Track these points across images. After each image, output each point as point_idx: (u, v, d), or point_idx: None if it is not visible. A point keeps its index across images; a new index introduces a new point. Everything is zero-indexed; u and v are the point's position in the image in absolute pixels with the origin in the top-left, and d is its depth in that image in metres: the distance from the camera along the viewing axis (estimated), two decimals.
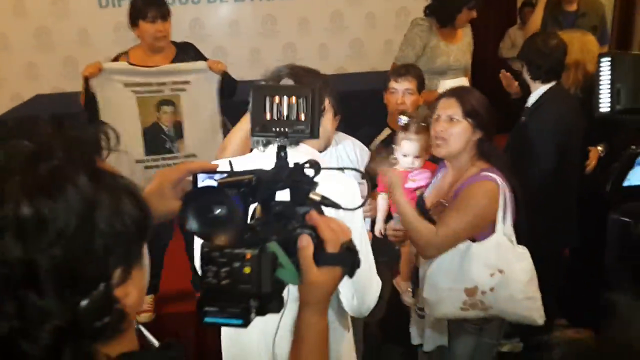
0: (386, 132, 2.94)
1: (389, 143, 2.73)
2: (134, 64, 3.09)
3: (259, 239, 1.02)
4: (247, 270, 0.98)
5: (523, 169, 2.65)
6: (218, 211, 0.97)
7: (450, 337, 2.35)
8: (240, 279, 0.98)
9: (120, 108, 3.04)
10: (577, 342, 3.37)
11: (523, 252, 2.19)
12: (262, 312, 1.02)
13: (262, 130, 1.22)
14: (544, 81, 2.88)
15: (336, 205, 1.17)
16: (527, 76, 2.93)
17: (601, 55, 1.32)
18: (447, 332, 2.34)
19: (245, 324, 0.98)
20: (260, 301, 1.00)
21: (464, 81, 3.63)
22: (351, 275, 1.12)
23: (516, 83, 3.29)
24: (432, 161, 2.52)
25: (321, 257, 1.08)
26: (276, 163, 1.20)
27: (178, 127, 3.16)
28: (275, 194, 1.14)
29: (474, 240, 2.18)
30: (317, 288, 1.08)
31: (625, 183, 1.23)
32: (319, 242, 1.08)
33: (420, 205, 2.36)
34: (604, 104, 1.29)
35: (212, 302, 0.98)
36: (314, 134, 1.22)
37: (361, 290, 1.63)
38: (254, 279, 0.98)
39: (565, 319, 3.37)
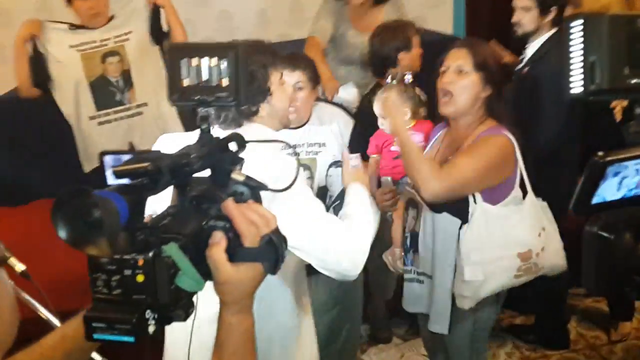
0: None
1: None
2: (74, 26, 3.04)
3: (156, 241, 0.86)
4: (140, 278, 0.84)
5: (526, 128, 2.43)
6: (94, 214, 0.78)
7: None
8: (133, 288, 0.84)
9: (65, 67, 2.98)
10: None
11: (544, 204, 2.15)
12: (165, 322, 0.86)
13: (181, 98, 1.04)
14: (554, 23, 2.61)
15: (262, 186, 0.99)
16: (533, 13, 2.62)
17: (569, 19, 0.97)
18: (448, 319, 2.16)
19: (140, 339, 0.82)
20: (159, 312, 0.84)
21: (352, 92, 3.01)
22: (273, 271, 0.97)
23: (507, 55, 2.94)
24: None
25: (236, 253, 0.93)
26: (198, 139, 1.02)
27: (127, 77, 3.06)
28: (190, 177, 0.95)
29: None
30: (233, 287, 0.94)
31: (595, 200, 0.92)
32: (235, 236, 0.92)
33: None
34: (576, 83, 0.97)
35: (102, 314, 0.84)
36: (239, 101, 1.02)
37: (341, 252, 1.56)
38: (149, 289, 0.84)
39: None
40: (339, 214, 1.71)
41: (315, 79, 2.34)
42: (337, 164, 2.32)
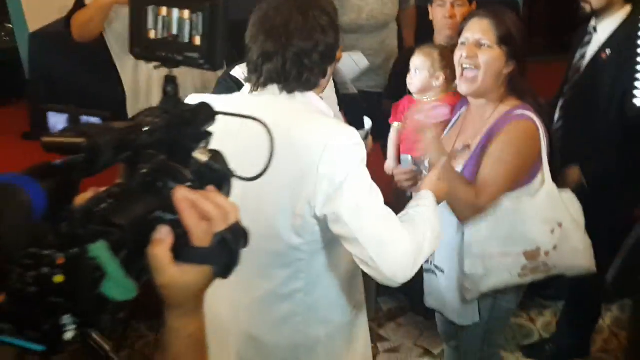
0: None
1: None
2: None
3: (85, 235, 0.70)
4: (58, 279, 0.68)
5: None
6: None
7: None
8: (50, 289, 0.68)
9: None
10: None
11: (570, 195, 1.96)
12: (88, 326, 0.71)
13: (144, 52, 0.87)
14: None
15: (229, 173, 0.82)
16: None
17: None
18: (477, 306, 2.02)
19: (52, 349, 0.68)
20: (80, 317, 0.69)
21: (359, 57, 2.63)
22: (225, 276, 0.83)
23: None
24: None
25: (182, 252, 0.77)
26: (159, 105, 0.85)
27: None
28: (143, 154, 0.79)
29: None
30: (177, 290, 0.80)
31: None
32: (183, 232, 0.77)
33: None
34: None
35: (12, 313, 0.68)
36: (212, 64, 0.85)
37: (376, 253, 1.39)
38: (68, 292, 0.68)
39: None
40: (400, 212, 1.55)
41: None
42: None
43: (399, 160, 2.32)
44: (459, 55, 1.88)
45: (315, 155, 1.36)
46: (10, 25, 4.95)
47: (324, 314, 1.58)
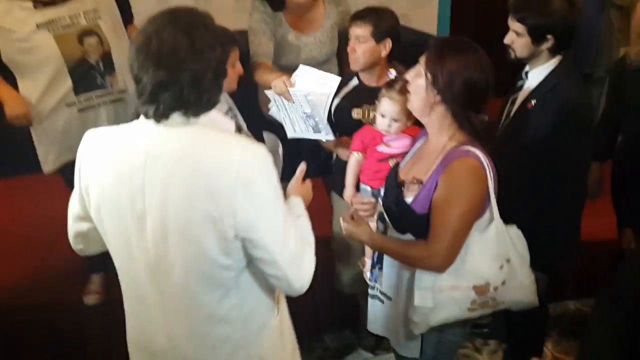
0: (353, 83, 2.58)
1: (357, 94, 2.51)
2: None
3: None
4: None
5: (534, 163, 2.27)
6: None
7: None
8: None
9: (38, 52, 2.67)
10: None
11: (516, 231, 1.98)
12: None
13: None
14: (553, 52, 2.26)
15: None
16: (525, 40, 2.26)
17: None
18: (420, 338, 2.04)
19: None
20: None
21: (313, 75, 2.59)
22: None
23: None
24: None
25: None
26: None
27: (107, 60, 2.79)
28: None
29: None
30: None
31: None
32: None
33: (391, 179, 2.04)
34: None
35: None
36: None
37: (290, 268, 1.49)
38: None
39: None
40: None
41: None
42: None
43: (356, 189, 2.35)
44: None
45: (229, 177, 1.39)
46: None
47: (259, 324, 1.63)
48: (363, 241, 2.06)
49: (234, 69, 2.08)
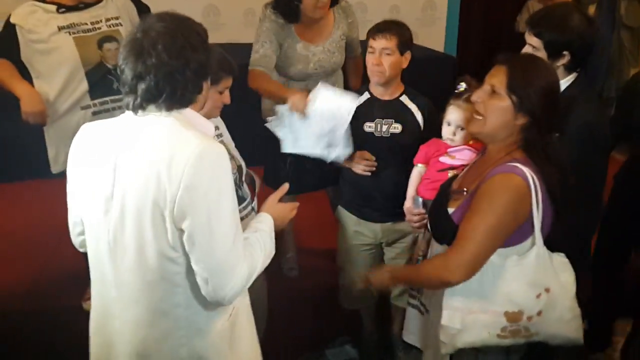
0: (365, 97, 2.56)
1: (370, 108, 2.51)
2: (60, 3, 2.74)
3: None
4: None
5: None
6: None
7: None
8: None
9: (57, 53, 2.70)
10: None
11: (563, 260, 1.85)
12: None
13: None
14: (569, 68, 2.21)
15: None
16: (541, 54, 2.18)
17: None
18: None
19: None
20: None
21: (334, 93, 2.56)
22: None
23: None
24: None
25: None
26: None
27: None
28: None
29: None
30: None
31: None
32: None
33: (444, 189, 1.99)
34: None
35: None
36: None
37: (217, 274, 1.50)
38: None
39: None
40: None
41: None
42: None
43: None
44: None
45: (179, 168, 1.44)
46: None
47: (203, 326, 1.63)
48: (390, 285, 2.02)
49: (221, 96, 2.05)
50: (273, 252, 1.71)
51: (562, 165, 1.81)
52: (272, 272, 1.95)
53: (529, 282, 1.77)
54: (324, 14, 2.81)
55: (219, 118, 2.31)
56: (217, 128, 2.36)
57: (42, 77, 2.72)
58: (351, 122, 2.46)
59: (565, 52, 2.18)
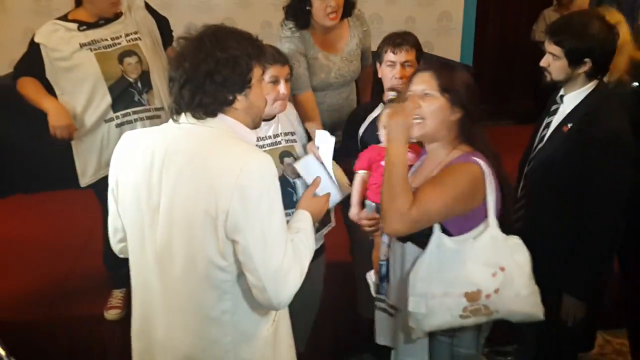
0: (381, 108, 2.57)
1: None
2: (80, 21, 2.81)
3: None
4: None
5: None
6: None
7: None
8: None
9: (80, 70, 2.77)
10: None
11: (518, 242, 1.96)
12: None
13: None
14: (590, 75, 2.24)
15: None
16: (562, 62, 2.25)
17: None
18: (427, 349, 2.04)
19: None
20: None
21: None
22: None
23: None
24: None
25: None
26: None
27: (145, 79, 2.86)
28: None
29: (445, 232, 1.91)
30: None
31: None
32: None
33: None
34: None
35: None
36: None
37: (273, 282, 1.52)
38: None
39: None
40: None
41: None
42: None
43: (361, 206, 2.36)
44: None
45: (230, 178, 1.47)
46: None
47: (250, 332, 1.65)
48: (398, 138, 1.91)
49: (275, 86, 2.10)
50: (314, 249, 1.72)
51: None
52: None
53: (484, 261, 1.89)
54: (336, 22, 2.82)
55: (291, 110, 2.39)
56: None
57: (66, 94, 2.79)
58: (369, 129, 2.48)
59: (586, 60, 2.22)
